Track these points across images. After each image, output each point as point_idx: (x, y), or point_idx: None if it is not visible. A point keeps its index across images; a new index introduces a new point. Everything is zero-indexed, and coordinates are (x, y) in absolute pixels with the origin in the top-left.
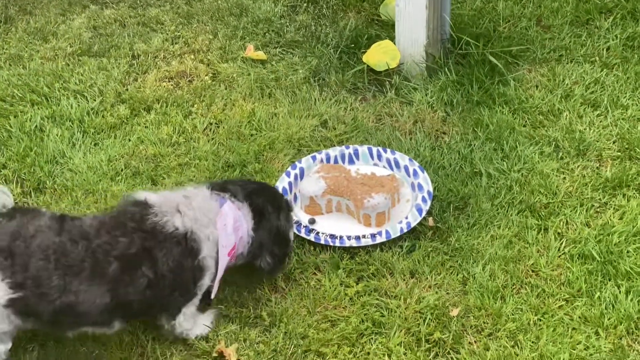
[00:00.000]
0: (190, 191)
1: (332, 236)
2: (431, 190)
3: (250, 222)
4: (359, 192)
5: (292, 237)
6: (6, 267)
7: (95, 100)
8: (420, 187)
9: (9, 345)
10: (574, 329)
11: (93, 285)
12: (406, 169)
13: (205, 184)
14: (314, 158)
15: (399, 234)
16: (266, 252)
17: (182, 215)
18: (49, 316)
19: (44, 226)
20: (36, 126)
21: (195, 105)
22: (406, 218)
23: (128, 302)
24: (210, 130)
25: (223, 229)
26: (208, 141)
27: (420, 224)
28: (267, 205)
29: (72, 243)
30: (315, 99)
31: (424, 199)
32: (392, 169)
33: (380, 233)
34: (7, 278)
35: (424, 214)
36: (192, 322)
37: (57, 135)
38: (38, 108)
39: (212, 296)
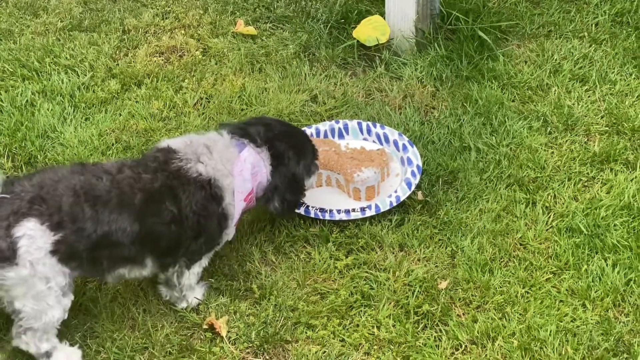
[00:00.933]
0: (211, 138)
1: (322, 210)
2: (420, 164)
3: (269, 166)
4: (348, 166)
5: (310, 184)
6: (42, 212)
7: (86, 75)
8: (409, 161)
9: (71, 297)
10: (561, 301)
11: (122, 213)
12: (395, 143)
13: (227, 127)
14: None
15: (388, 208)
16: (278, 196)
17: (204, 164)
18: (89, 253)
19: (67, 172)
20: (27, 101)
21: (186, 80)
22: (395, 192)
23: (155, 234)
24: (201, 105)
25: (239, 174)
26: (199, 116)
27: (409, 197)
28: (288, 151)
29: (97, 178)
30: (305, 74)
31: (413, 173)
32: (381, 143)
33: (369, 207)
34: (46, 221)
35: (413, 187)
36: (194, 282)
37: (48, 109)
38: (29, 83)
39: (230, 238)
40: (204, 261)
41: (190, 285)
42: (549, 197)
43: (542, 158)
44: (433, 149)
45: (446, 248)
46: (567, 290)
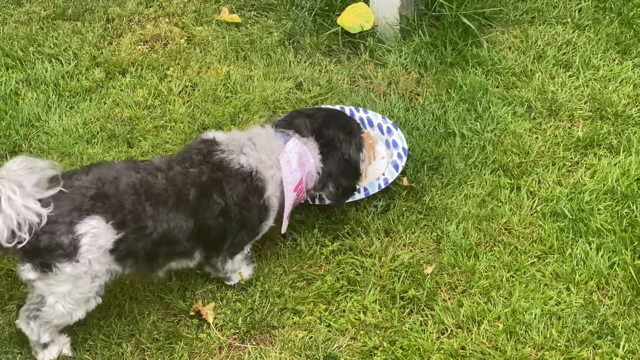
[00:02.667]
0: (255, 131)
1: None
2: (406, 146)
3: (317, 155)
4: None
5: (363, 166)
6: (107, 210)
7: (70, 63)
8: (395, 143)
9: (100, 300)
10: (545, 285)
11: (180, 211)
12: (380, 127)
13: (271, 122)
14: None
15: (377, 190)
16: (331, 182)
17: (246, 155)
18: (148, 251)
19: (122, 169)
20: (11, 90)
21: (171, 69)
22: (383, 175)
23: (207, 228)
24: (186, 93)
25: (287, 165)
26: (183, 104)
27: (395, 183)
28: (336, 136)
29: (153, 176)
30: (290, 62)
31: (399, 156)
32: (365, 127)
33: (358, 190)
34: (111, 219)
35: (400, 169)
36: (238, 266)
37: (32, 98)
38: (12, 72)
39: (283, 231)
40: (246, 249)
41: (234, 269)
42: (534, 182)
43: (526, 143)
44: (418, 135)
45: (431, 233)
46: (551, 274)
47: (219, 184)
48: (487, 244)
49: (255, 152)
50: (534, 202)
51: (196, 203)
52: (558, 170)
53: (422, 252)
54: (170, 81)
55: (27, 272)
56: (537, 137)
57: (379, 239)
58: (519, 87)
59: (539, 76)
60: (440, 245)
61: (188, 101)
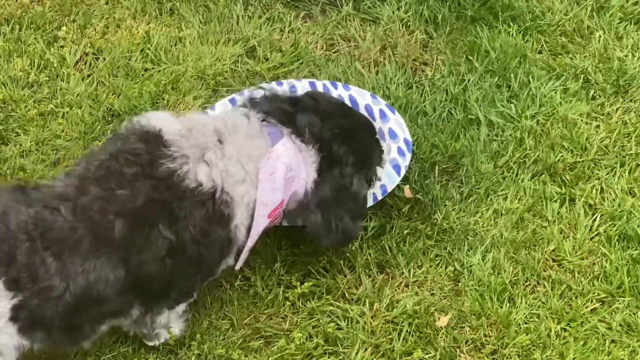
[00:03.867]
0: (229, 121)
1: None
2: (409, 138)
3: (313, 173)
4: None
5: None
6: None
7: None
8: (392, 134)
9: None
10: (613, 341)
11: (101, 256)
12: (368, 110)
13: (258, 105)
14: (232, 101)
15: (372, 204)
16: (325, 213)
17: (209, 166)
18: (62, 320)
19: (8, 200)
20: None
21: (63, 28)
22: (379, 180)
23: (147, 275)
24: (86, 63)
25: (268, 180)
26: (82, 80)
27: (392, 195)
28: (348, 155)
29: (52, 211)
30: (237, 17)
31: (400, 151)
32: None
33: None
34: (3, 275)
35: (403, 172)
36: (171, 319)
37: None
38: None
39: (237, 267)
40: (192, 297)
41: (165, 324)
42: (594, 190)
43: (583, 135)
44: (425, 124)
45: (446, 267)
46: (621, 325)
47: (167, 209)
48: (528, 283)
49: (222, 160)
50: (595, 220)
51: (127, 240)
52: (629, 173)
53: (432, 295)
54: (62, 47)
55: None
56: (598, 126)
57: (369, 276)
58: (572, 53)
59: (600, 36)
60: (460, 284)
61: (89, 76)
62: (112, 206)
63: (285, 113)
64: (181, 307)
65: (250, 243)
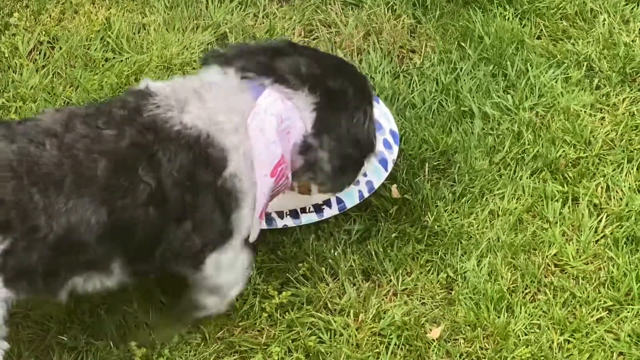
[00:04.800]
0: (205, 80)
1: None
2: (396, 129)
3: (310, 115)
4: None
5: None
6: None
7: None
8: (377, 125)
9: (6, 345)
10: (621, 353)
11: (83, 196)
12: None
13: (235, 61)
14: None
15: (357, 202)
16: (327, 149)
17: (190, 113)
18: (46, 264)
19: None
20: None
21: (15, 14)
22: (365, 176)
23: (129, 223)
24: (40, 53)
25: (259, 135)
26: (36, 71)
27: (379, 194)
28: (346, 90)
29: (37, 145)
30: (206, 1)
31: (386, 144)
32: None
33: (328, 203)
34: None
35: (391, 166)
36: (232, 271)
37: None
38: None
39: (251, 239)
40: (236, 240)
41: (224, 282)
42: (599, 189)
43: (586, 128)
44: (414, 117)
45: (438, 274)
46: (629, 336)
47: (148, 153)
48: (527, 290)
49: (205, 110)
50: (601, 221)
51: (110, 182)
52: (637, 169)
53: (423, 304)
54: (14, 35)
55: None
56: (603, 118)
57: (354, 284)
58: (574, 38)
59: (605, 20)
60: (453, 293)
61: (44, 66)
62: (96, 146)
63: (263, 64)
64: (225, 257)
65: (259, 207)
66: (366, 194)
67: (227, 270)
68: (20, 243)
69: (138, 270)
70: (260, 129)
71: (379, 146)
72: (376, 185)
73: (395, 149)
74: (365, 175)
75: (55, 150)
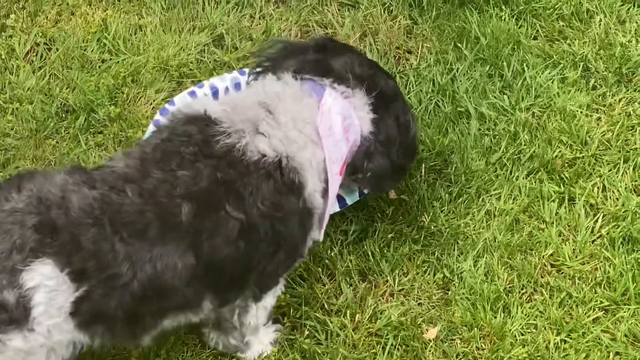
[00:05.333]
0: (268, 90)
1: None
2: None
3: (368, 116)
4: None
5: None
6: (59, 251)
7: None
8: None
9: None
10: (617, 353)
11: (169, 242)
12: None
13: (287, 64)
14: (192, 94)
15: (357, 199)
16: (383, 154)
17: (267, 136)
18: (127, 311)
19: (67, 182)
20: None
21: (12, 16)
22: None
23: (218, 262)
24: (37, 54)
25: (329, 135)
26: (33, 72)
27: (374, 197)
28: (395, 93)
29: (119, 192)
30: (203, 2)
31: None
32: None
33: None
34: (66, 266)
35: None
36: (263, 319)
37: None
38: None
39: (321, 238)
40: (280, 286)
41: (256, 327)
42: (595, 189)
43: (582, 128)
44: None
45: (435, 274)
46: (626, 335)
47: (231, 189)
48: (524, 290)
49: (279, 128)
50: (597, 221)
51: (195, 226)
52: (633, 169)
53: (420, 304)
54: (11, 36)
55: None
56: (599, 118)
57: (351, 285)
58: (570, 39)
59: (601, 20)
60: (450, 293)
61: (41, 68)
62: (177, 190)
63: (318, 63)
64: (269, 301)
65: (329, 206)
66: (366, 191)
67: (262, 313)
68: (97, 290)
69: (225, 302)
70: (329, 127)
71: None
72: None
73: None
74: None
75: (137, 198)
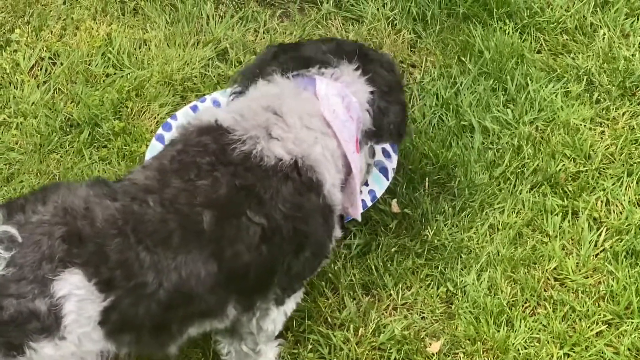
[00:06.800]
0: (268, 94)
1: None
2: None
3: (362, 82)
4: None
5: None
6: (89, 260)
7: None
8: None
9: None
10: None
11: (192, 250)
12: None
13: (269, 69)
14: (194, 109)
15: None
16: (392, 107)
17: (281, 140)
18: (154, 319)
19: (90, 195)
20: None
21: (17, 30)
22: (367, 185)
23: (241, 267)
24: (42, 69)
25: (335, 118)
26: (38, 87)
27: (378, 209)
28: (367, 50)
29: (140, 203)
30: (207, 17)
31: (385, 153)
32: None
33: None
34: (94, 276)
35: (391, 174)
36: (274, 334)
37: None
38: None
39: (359, 217)
40: (301, 293)
41: (272, 334)
42: (599, 203)
43: (586, 142)
44: (414, 131)
45: (438, 288)
46: (629, 349)
47: (251, 194)
48: (527, 304)
49: (290, 130)
50: (600, 235)
51: (217, 233)
52: (637, 183)
53: (423, 318)
54: (16, 51)
55: None
56: (603, 132)
57: (354, 299)
58: (574, 52)
59: (605, 34)
60: (453, 307)
61: (45, 82)
62: (197, 198)
63: (295, 59)
64: (290, 306)
65: (358, 184)
66: (369, 203)
67: (280, 319)
68: (124, 300)
69: (249, 307)
70: (333, 111)
71: (379, 155)
72: (378, 194)
73: (395, 157)
74: (367, 184)
75: (159, 207)
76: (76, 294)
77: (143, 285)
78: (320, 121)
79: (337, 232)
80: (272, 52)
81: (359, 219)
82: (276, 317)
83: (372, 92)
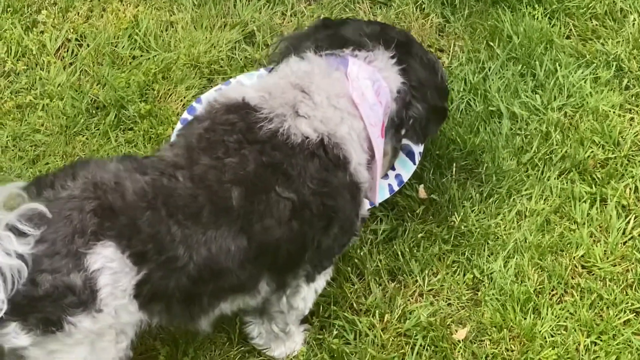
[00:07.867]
0: (297, 71)
1: None
2: None
3: (393, 68)
4: None
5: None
6: (119, 234)
7: None
8: None
9: None
10: None
11: (221, 226)
12: None
13: (306, 45)
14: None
15: (388, 196)
16: (420, 99)
17: (307, 118)
18: (185, 293)
19: (119, 170)
20: None
21: (43, 12)
22: (393, 169)
23: (272, 243)
24: (68, 50)
25: (363, 101)
26: (64, 68)
27: (405, 194)
28: (410, 40)
29: (170, 177)
30: None
31: None
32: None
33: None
34: (127, 249)
35: (418, 158)
36: (304, 313)
37: None
38: None
39: (377, 202)
40: (331, 270)
41: (302, 313)
42: (628, 190)
43: (615, 128)
44: None
45: (464, 275)
46: None
47: (279, 170)
48: (554, 292)
49: (317, 108)
50: (629, 222)
51: (246, 208)
52: None
53: (449, 305)
54: (42, 32)
55: (13, 337)
56: (632, 118)
57: (380, 285)
58: (603, 38)
59: (635, 19)
60: (479, 293)
61: (71, 64)
62: (226, 175)
63: (332, 37)
64: (320, 284)
65: (379, 168)
66: (396, 188)
67: (309, 298)
68: (156, 273)
69: (283, 284)
70: (362, 94)
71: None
72: (405, 178)
73: (421, 144)
74: (393, 169)
75: (189, 182)
76: (110, 267)
77: (174, 259)
78: (347, 102)
79: (364, 211)
80: (313, 27)
81: (376, 203)
82: (306, 294)
83: (403, 84)
